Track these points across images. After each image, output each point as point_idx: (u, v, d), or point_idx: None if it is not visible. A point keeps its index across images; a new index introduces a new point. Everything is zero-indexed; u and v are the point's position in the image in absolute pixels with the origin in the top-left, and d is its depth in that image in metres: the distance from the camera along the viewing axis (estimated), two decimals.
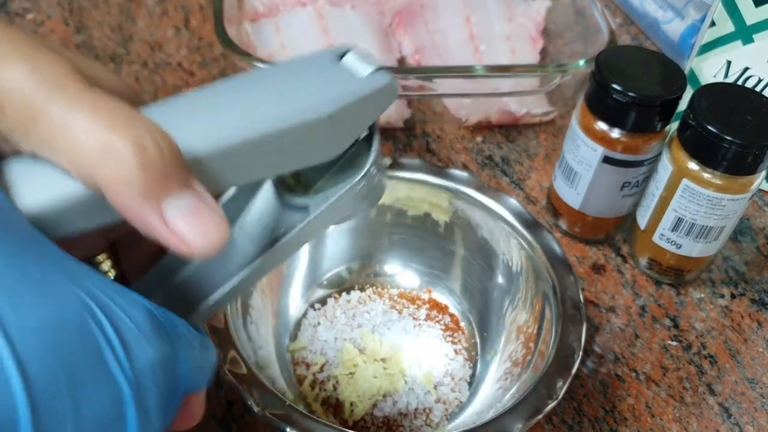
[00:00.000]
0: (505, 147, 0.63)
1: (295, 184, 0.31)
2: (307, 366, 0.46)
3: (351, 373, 0.45)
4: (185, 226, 0.22)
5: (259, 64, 0.54)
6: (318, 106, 0.27)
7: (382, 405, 0.44)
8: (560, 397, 0.38)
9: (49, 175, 0.22)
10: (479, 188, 0.48)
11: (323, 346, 0.47)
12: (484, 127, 0.64)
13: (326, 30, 0.63)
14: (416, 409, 0.45)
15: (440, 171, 0.48)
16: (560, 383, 0.39)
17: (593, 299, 0.52)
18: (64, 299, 0.20)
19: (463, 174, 0.48)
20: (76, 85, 0.22)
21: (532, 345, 0.43)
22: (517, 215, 0.47)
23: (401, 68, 0.65)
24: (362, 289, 0.50)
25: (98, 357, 0.20)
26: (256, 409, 0.37)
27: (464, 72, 0.58)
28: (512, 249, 0.46)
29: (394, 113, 0.61)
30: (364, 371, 0.45)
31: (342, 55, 0.29)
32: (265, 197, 0.30)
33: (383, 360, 0.46)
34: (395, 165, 0.49)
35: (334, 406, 0.44)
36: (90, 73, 0.24)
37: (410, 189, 0.48)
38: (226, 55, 0.64)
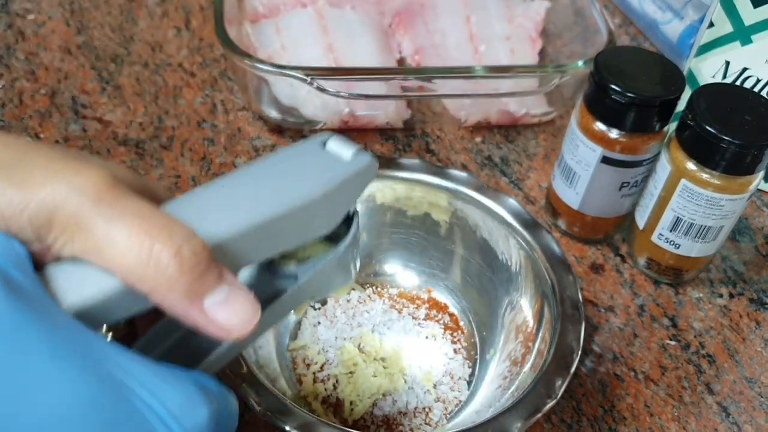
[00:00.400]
0: (504, 147, 0.63)
1: (282, 254, 0.34)
2: (307, 365, 0.46)
3: (351, 372, 0.46)
4: (224, 315, 0.25)
5: (259, 64, 0.54)
6: (313, 189, 0.31)
7: (382, 404, 0.45)
8: (559, 396, 0.39)
9: (89, 276, 0.25)
10: (478, 188, 0.48)
11: (323, 346, 0.47)
12: (483, 128, 0.64)
13: (326, 30, 0.63)
14: (416, 408, 0.45)
15: (440, 171, 0.49)
16: (559, 382, 0.39)
17: (592, 299, 0.52)
18: (106, 384, 0.22)
19: (463, 174, 0.48)
20: (114, 196, 0.24)
21: (531, 344, 0.44)
22: (516, 215, 0.47)
23: (401, 69, 0.65)
24: (362, 289, 0.50)
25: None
26: (256, 408, 0.37)
27: (464, 72, 0.58)
28: (511, 249, 0.47)
29: (393, 113, 0.61)
30: (364, 370, 0.45)
31: (325, 143, 0.33)
32: (255, 267, 0.34)
33: (383, 359, 0.46)
34: (395, 165, 0.49)
35: (334, 405, 0.45)
36: (121, 174, 0.26)
37: (410, 189, 0.49)
38: (226, 56, 0.64)
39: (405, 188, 0.49)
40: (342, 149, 0.33)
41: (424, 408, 0.45)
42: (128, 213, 0.24)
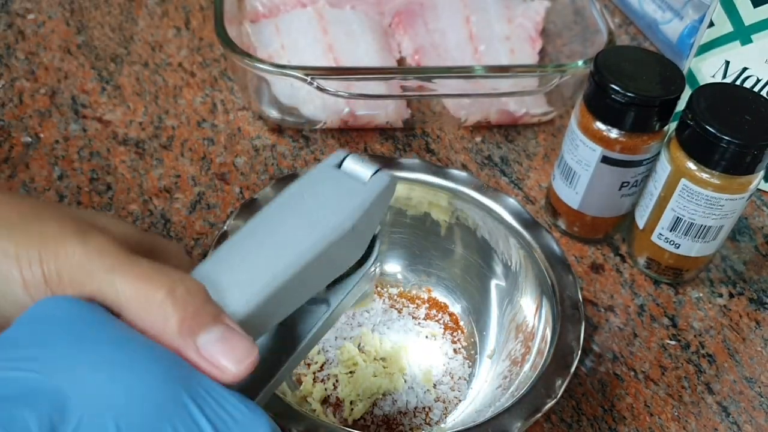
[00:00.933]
0: (504, 147, 0.63)
1: None
2: (307, 365, 0.46)
3: (351, 372, 0.46)
4: (218, 355, 0.26)
5: (259, 64, 0.54)
6: (341, 224, 0.30)
7: (382, 404, 0.45)
8: (559, 395, 0.39)
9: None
10: (478, 188, 0.48)
11: (323, 345, 0.47)
12: (483, 127, 0.64)
13: (326, 30, 0.63)
14: (416, 408, 0.45)
15: (439, 171, 0.49)
16: (559, 382, 0.39)
17: (592, 298, 0.52)
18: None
19: (463, 174, 0.48)
20: (117, 255, 0.27)
21: (530, 344, 0.44)
22: (516, 215, 0.47)
23: (401, 68, 0.65)
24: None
25: None
26: None
27: (464, 72, 0.58)
28: (511, 248, 0.47)
29: (393, 113, 0.61)
30: (363, 370, 0.45)
31: (340, 164, 0.32)
32: None
33: (383, 359, 0.46)
34: (395, 165, 0.49)
35: (334, 405, 0.45)
36: (120, 231, 0.30)
37: (410, 189, 0.49)
38: (226, 56, 0.64)
39: (405, 188, 0.49)
40: (359, 169, 0.32)
41: (424, 408, 0.45)
42: (128, 267, 0.27)
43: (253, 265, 0.29)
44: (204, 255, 0.52)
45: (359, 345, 0.47)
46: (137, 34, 0.69)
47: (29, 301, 0.26)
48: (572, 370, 0.40)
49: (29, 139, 0.59)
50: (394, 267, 0.51)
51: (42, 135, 0.59)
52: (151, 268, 0.27)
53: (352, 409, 0.44)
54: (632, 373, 0.48)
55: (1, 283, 0.26)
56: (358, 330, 0.48)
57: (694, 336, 0.51)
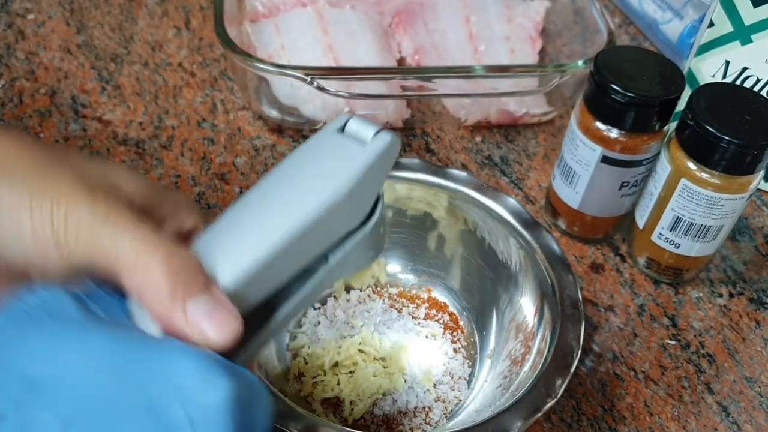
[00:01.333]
0: (504, 147, 0.63)
1: None
2: (308, 365, 0.46)
3: (351, 372, 0.46)
4: (204, 320, 0.27)
5: (259, 64, 0.54)
6: (337, 189, 0.30)
7: (382, 404, 0.45)
8: (559, 395, 0.39)
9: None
10: (478, 188, 0.48)
11: (323, 345, 0.47)
12: (483, 127, 0.64)
13: (326, 30, 0.63)
14: (416, 408, 0.45)
15: (439, 170, 0.49)
16: (559, 382, 0.39)
17: (592, 298, 0.52)
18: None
19: (462, 173, 0.48)
20: (122, 217, 0.28)
21: (530, 344, 0.44)
22: (516, 215, 0.47)
23: (401, 68, 0.65)
24: (361, 289, 0.50)
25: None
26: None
27: (464, 72, 0.58)
28: (511, 248, 0.47)
29: (393, 113, 0.61)
30: (363, 370, 0.45)
31: (344, 126, 0.31)
32: None
33: (383, 359, 0.46)
34: (395, 165, 0.49)
35: (334, 405, 0.45)
36: (130, 188, 0.31)
37: (410, 189, 0.49)
38: (226, 56, 0.64)
39: (405, 188, 0.49)
40: (361, 130, 0.31)
41: (424, 407, 0.45)
42: (130, 232, 0.28)
43: (246, 237, 0.29)
44: None
45: (359, 345, 0.47)
46: (137, 33, 0.69)
47: (32, 247, 0.28)
48: (572, 369, 0.40)
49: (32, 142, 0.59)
50: (394, 267, 0.51)
51: (42, 135, 0.59)
52: (152, 234, 0.28)
53: (352, 409, 0.44)
54: (632, 373, 0.48)
55: (13, 224, 0.28)
56: (358, 330, 0.48)
57: (694, 336, 0.51)
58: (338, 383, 0.45)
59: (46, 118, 0.60)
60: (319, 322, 0.48)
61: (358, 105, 0.59)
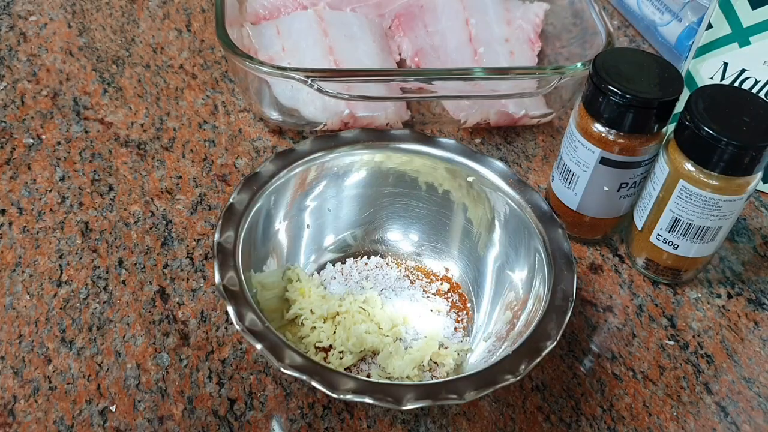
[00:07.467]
0: (503, 148, 0.63)
1: None
2: (311, 312, 0.47)
3: (346, 326, 0.47)
4: None
5: (260, 66, 0.55)
6: None
7: (370, 364, 0.46)
8: (557, 339, 0.40)
9: None
10: (506, 178, 0.49)
11: (328, 297, 0.48)
12: (482, 129, 0.64)
13: (326, 32, 0.63)
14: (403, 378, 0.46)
15: (473, 155, 0.50)
16: (555, 329, 0.41)
17: (591, 299, 0.53)
18: None
19: (499, 162, 0.50)
20: None
21: (523, 307, 0.45)
22: (503, 176, 0.49)
23: (401, 70, 0.65)
24: (383, 256, 0.52)
25: None
26: (236, 324, 0.38)
27: (463, 74, 0.58)
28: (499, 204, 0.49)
29: (393, 115, 0.61)
30: (358, 325, 0.46)
31: None
32: None
33: (380, 321, 0.47)
34: (388, 137, 0.50)
35: (326, 351, 0.46)
36: None
37: (433, 167, 0.51)
38: (227, 58, 0.64)
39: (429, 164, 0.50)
40: None
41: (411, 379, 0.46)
42: None
43: None
44: (205, 256, 0.52)
45: (362, 303, 0.48)
46: (139, 36, 0.69)
47: None
48: (569, 315, 0.41)
49: (31, 141, 0.59)
50: (412, 241, 0.53)
51: (44, 136, 0.59)
52: None
53: (340, 359, 0.45)
54: (631, 373, 0.49)
55: None
56: (366, 290, 0.49)
57: (693, 336, 0.51)
58: (334, 333, 0.46)
59: (48, 119, 0.61)
60: (334, 278, 0.50)
61: (358, 107, 0.60)
